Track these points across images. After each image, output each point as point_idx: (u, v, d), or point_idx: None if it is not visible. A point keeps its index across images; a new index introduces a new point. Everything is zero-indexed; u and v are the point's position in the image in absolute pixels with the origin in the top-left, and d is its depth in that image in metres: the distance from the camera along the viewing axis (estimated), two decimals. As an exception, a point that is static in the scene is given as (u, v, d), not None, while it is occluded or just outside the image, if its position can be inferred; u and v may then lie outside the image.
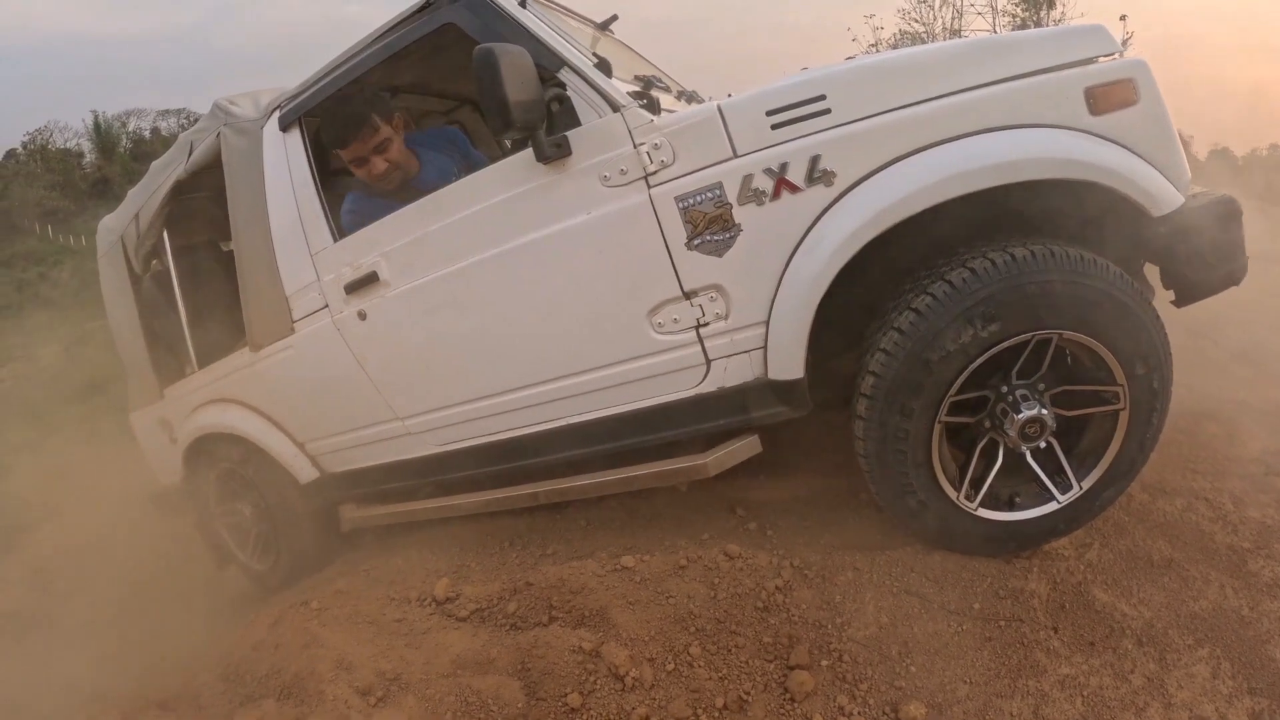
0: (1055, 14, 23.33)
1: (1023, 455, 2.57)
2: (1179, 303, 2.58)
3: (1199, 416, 3.91)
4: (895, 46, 25.99)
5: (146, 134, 59.77)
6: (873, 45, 27.35)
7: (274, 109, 3.32)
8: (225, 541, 4.46)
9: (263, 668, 2.80)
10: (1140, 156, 2.36)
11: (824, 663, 2.43)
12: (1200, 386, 4.31)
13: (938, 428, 2.46)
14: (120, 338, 4.49)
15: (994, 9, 25.71)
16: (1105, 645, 2.53)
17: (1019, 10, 24.62)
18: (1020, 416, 2.45)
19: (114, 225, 4.40)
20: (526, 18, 2.62)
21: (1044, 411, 2.45)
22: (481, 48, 2.30)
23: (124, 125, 59.80)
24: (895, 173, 2.32)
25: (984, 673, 2.42)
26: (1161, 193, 2.36)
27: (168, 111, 62.56)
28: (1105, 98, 2.35)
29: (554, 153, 2.52)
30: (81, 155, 55.94)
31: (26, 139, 55.37)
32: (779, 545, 2.80)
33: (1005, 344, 2.36)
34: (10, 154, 54.77)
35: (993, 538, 2.66)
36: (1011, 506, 2.65)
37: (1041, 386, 2.49)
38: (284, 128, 3.26)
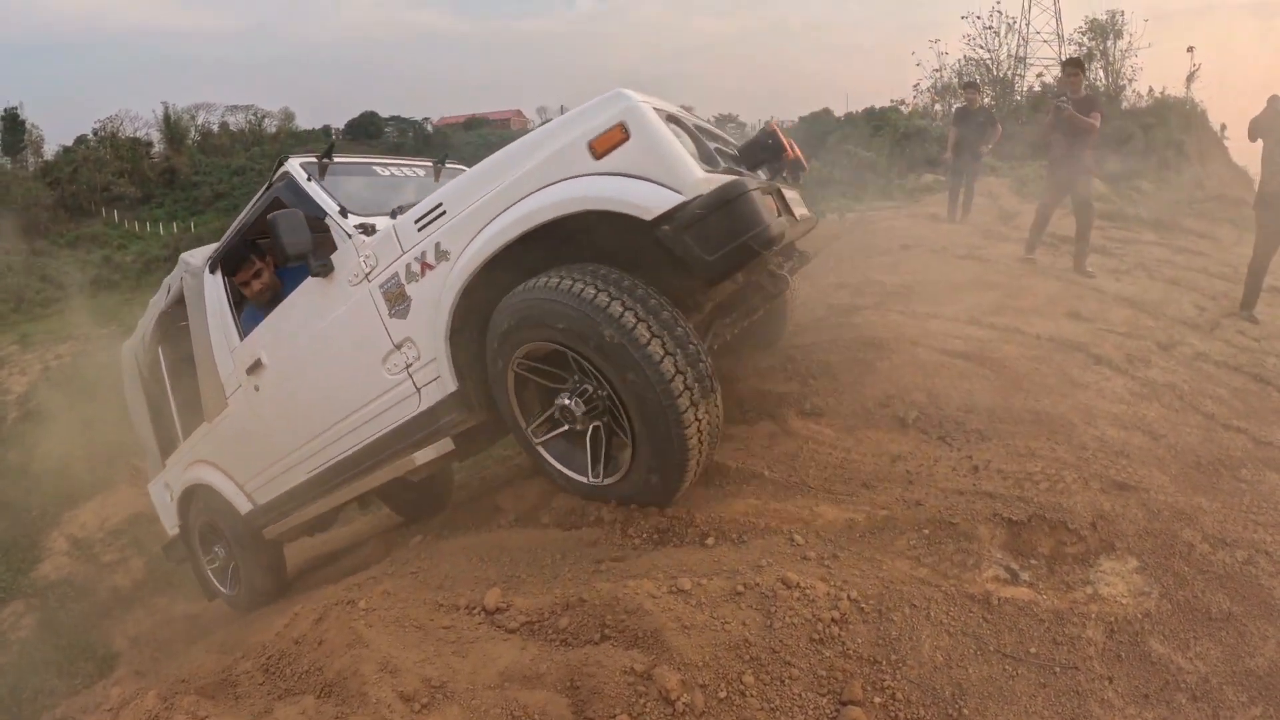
0: (1122, 44, 23.03)
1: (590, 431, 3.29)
2: (710, 282, 3.02)
3: (1263, 465, 3.82)
4: (960, 73, 25.86)
5: (214, 128, 61.37)
6: (936, 70, 27.22)
7: (206, 260, 4.73)
8: (209, 578, 5.76)
9: (304, 663, 2.79)
10: (639, 177, 2.93)
11: (877, 700, 2.38)
12: (1266, 435, 4.21)
13: (514, 400, 3.43)
14: (136, 426, 6.05)
15: (1060, 37, 25.40)
16: (1159, 698, 2.48)
17: (1085, 39, 24.30)
18: (557, 401, 3.28)
19: (130, 345, 5.91)
20: (311, 189, 3.93)
21: (568, 402, 3.23)
22: (270, 215, 3.61)
23: (193, 118, 61.39)
24: (480, 238, 3.23)
25: (1037, 720, 2.35)
26: (648, 200, 2.88)
27: (236, 107, 64.25)
28: (603, 143, 2.99)
29: (321, 270, 3.77)
30: (150, 145, 57.49)
31: (97, 126, 56.86)
32: (837, 576, 2.74)
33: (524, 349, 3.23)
34: (80, 140, 56.31)
35: (571, 487, 3.51)
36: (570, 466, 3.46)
37: (588, 387, 3.19)
38: (211, 270, 4.68)
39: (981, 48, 25.99)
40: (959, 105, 13.73)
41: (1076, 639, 2.60)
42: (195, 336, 4.82)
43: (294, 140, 57.64)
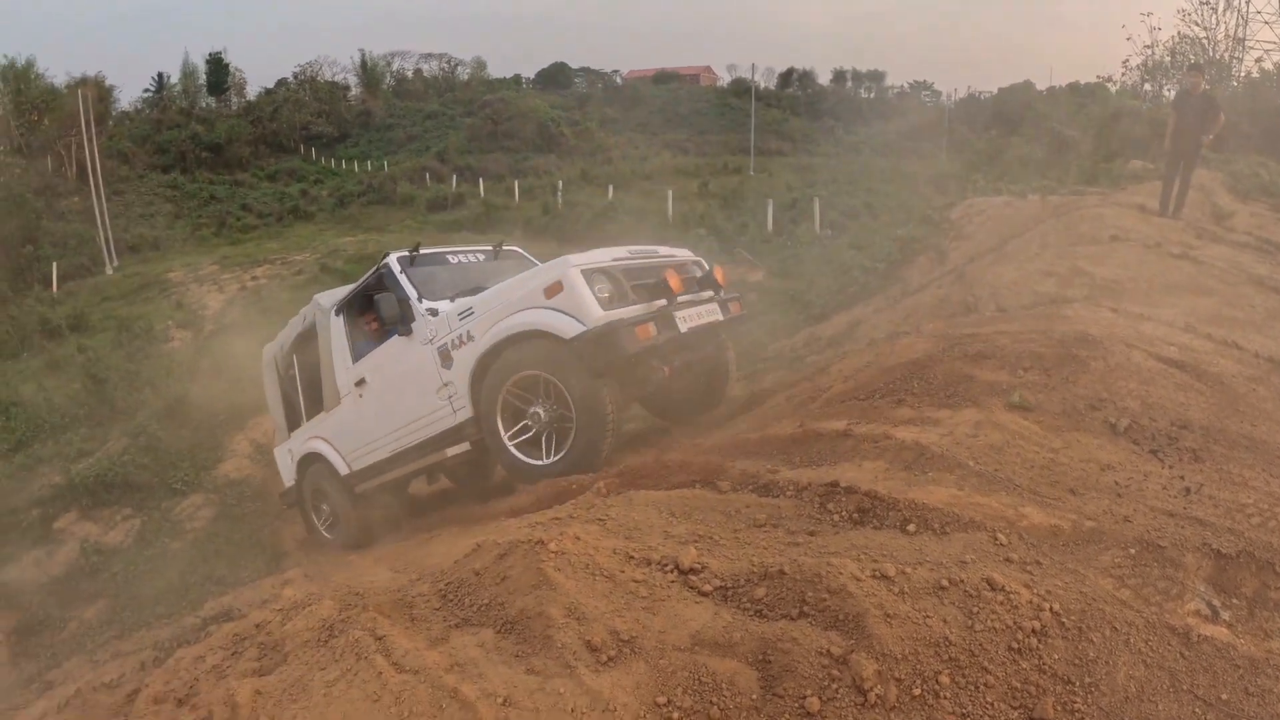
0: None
1: (540, 433, 5.43)
2: (601, 377, 5.05)
3: None
4: (1172, 51, 23.87)
5: (409, 74, 64.78)
6: (1148, 47, 25.23)
7: (333, 305, 6.93)
8: (314, 522, 8.06)
9: (485, 596, 2.83)
10: (564, 313, 5.03)
11: (1065, 721, 2.23)
12: None
13: (501, 424, 5.54)
14: (270, 406, 8.62)
15: (1283, 17, 23.02)
16: (1346, 768, 2.29)
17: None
18: (529, 410, 5.42)
19: (271, 349, 8.30)
20: (401, 279, 6.16)
21: (537, 410, 5.37)
22: (375, 297, 5.93)
23: (389, 64, 65.40)
24: (488, 333, 5.40)
25: (1217, 771, 2.21)
26: (567, 328, 4.99)
27: (430, 55, 67.82)
28: (550, 291, 5.12)
29: (405, 332, 6.04)
30: (347, 88, 61.49)
31: (298, 70, 61.24)
32: (1040, 585, 2.58)
33: (516, 377, 5.37)
34: (281, 82, 60.62)
35: (526, 471, 5.52)
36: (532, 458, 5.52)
37: (550, 404, 5.33)
38: (336, 313, 6.89)
39: (1197, 24, 23.75)
40: (1179, 89, 12.59)
41: (1267, 693, 2.42)
42: (322, 354, 7.13)
43: (485, 88, 59.84)
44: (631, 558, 2.79)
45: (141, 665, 5.03)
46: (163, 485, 11.45)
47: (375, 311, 5.97)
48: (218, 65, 59.89)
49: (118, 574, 9.68)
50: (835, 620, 2.39)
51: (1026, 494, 3.16)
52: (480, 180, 36.79)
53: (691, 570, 2.69)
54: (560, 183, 32.57)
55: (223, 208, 36.82)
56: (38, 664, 7.73)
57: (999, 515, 2.97)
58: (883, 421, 4.00)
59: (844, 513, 3.09)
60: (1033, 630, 2.40)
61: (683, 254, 6.45)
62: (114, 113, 48.58)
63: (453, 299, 5.96)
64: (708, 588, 2.62)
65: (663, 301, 5.43)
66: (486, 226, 25.65)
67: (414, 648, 2.68)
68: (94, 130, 30.86)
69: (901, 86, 76.23)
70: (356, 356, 6.66)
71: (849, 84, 76.23)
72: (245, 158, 45.75)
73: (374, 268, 6.45)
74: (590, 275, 5.10)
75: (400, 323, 5.93)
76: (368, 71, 63.57)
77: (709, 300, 5.97)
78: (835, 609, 2.41)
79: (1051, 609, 2.47)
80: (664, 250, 6.23)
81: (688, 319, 5.51)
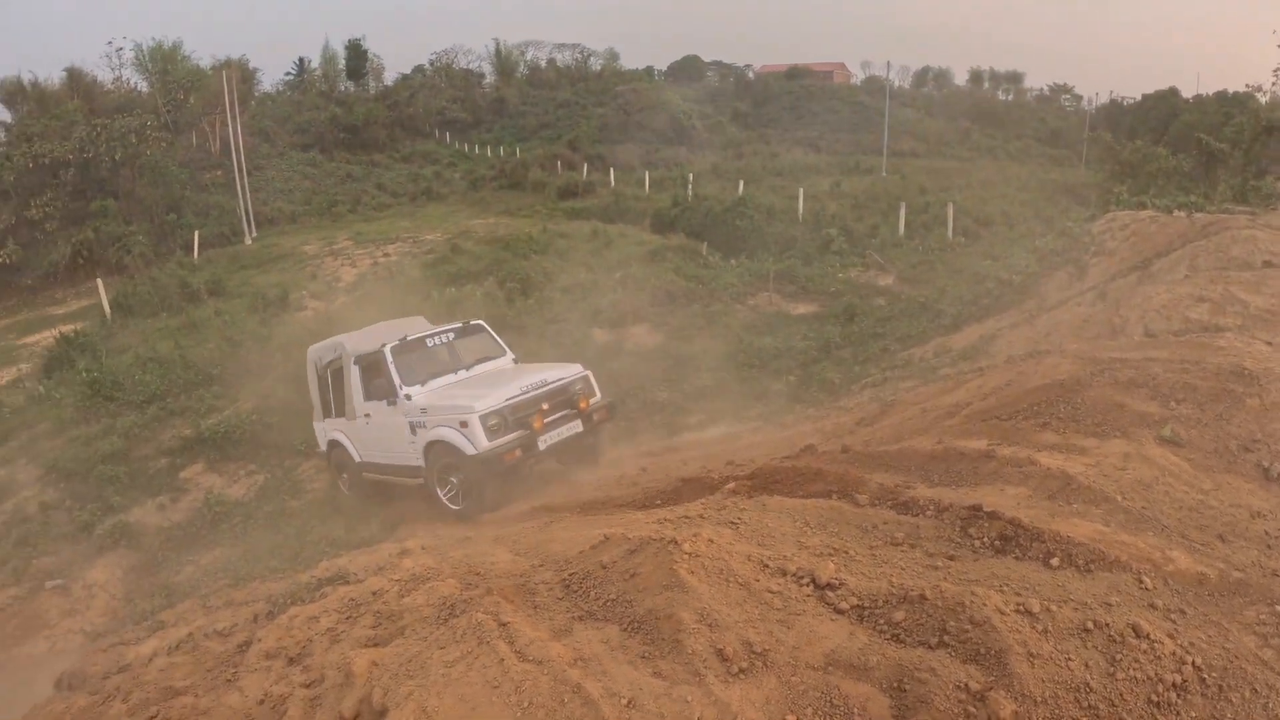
0: None
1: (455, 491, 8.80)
2: (484, 475, 8.45)
3: None
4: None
5: (542, 64, 66.23)
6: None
7: (354, 354, 9.88)
8: (337, 481, 10.87)
9: (611, 591, 2.84)
10: (467, 438, 8.35)
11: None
12: None
13: (437, 487, 8.96)
14: (311, 395, 11.01)
15: None
16: None
17: None
18: (449, 479, 8.86)
19: (313, 353, 10.90)
20: (391, 367, 9.25)
21: (452, 479, 8.77)
22: (374, 380, 9.80)
23: (522, 54, 66.99)
24: (432, 429, 8.86)
25: None
26: (467, 447, 8.34)
27: (563, 45, 69.03)
28: (463, 423, 8.42)
29: (392, 403, 9.34)
30: (482, 76, 63.47)
31: (433, 57, 63.53)
32: (1183, 635, 2.46)
33: (442, 463, 8.88)
34: (418, 69, 62.86)
35: (449, 513, 8.79)
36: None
37: (460, 476, 8.79)
38: (354, 363, 9.88)
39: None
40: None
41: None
42: (345, 384, 10.06)
43: (617, 79, 60.39)
44: (766, 566, 2.75)
45: (254, 617, 5.14)
46: (287, 445, 11.87)
47: (374, 385, 9.49)
48: (357, 51, 62.21)
49: (237, 525, 10.16)
50: (976, 654, 2.32)
51: (1175, 536, 3.02)
52: (611, 170, 37.10)
53: (829, 586, 2.64)
54: (690, 175, 32.46)
55: (358, 186, 38.10)
56: (152, 603, 8.12)
57: (1145, 557, 2.84)
58: (1026, 445, 3.87)
59: (985, 539, 3.00)
60: (1174, 684, 2.31)
61: (573, 374, 9.27)
62: (256, 94, 50.86)
63: (424, 382, 9.23)
64: (845, 605, 2.57)
65: (529, 430, 8.47)
66: (615, 216, 25.72)
67: (538, 637, 2.69)
68: (237, 109, 32.36)
69: (1041, 89, 73.31)
70: (366, 397, 9.75)
71: (986, 85, 73.83)
72: (381, 140, 47.21)
73: (377, 349, 9.40)
74: (486, 417, 8.22)
75: (388, 397, 9.21)
76: (501, 60, 65.11)
77: (574, 419, 9.01)
78: (977, 642, 2.34)
79: (1194, 663, 2.37)
80: (554, 377, 9.10)
81: (549, 439, 8.66)
